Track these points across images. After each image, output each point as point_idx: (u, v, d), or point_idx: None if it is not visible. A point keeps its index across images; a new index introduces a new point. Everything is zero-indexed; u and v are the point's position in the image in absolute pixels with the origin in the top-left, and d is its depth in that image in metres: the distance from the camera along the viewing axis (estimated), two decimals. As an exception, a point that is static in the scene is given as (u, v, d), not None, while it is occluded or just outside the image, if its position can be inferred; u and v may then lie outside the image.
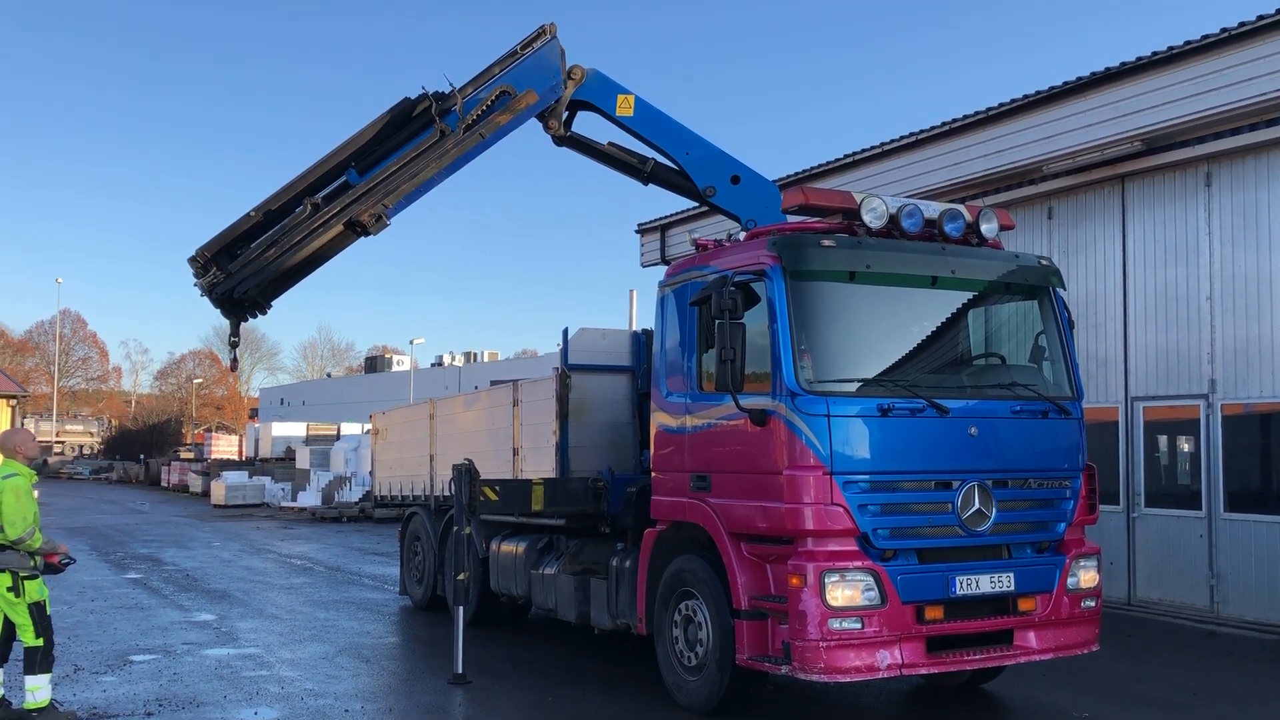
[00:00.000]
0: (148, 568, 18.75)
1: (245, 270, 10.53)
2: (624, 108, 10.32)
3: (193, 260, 10.67)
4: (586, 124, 10.89)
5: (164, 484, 55.54)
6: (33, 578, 7.93)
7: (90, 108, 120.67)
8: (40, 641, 7.90)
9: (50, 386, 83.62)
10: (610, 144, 10.82)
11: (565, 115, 10.63)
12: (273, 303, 10.93)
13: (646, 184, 10.84)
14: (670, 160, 10.59)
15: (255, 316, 11.09)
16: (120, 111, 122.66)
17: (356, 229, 10.26)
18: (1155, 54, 12.80)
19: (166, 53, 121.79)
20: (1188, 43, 12.46)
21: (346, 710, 8.41)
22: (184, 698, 8.77)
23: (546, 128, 10.63)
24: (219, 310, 10.83)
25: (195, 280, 10.77)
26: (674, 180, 10.63)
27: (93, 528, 28.38)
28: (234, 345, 11.33)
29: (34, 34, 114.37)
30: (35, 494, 8.06)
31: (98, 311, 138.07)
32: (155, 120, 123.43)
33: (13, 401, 41.55)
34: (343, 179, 10.39)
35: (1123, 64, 13.19)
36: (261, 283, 10.50)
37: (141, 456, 65.62)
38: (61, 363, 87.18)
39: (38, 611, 7.93)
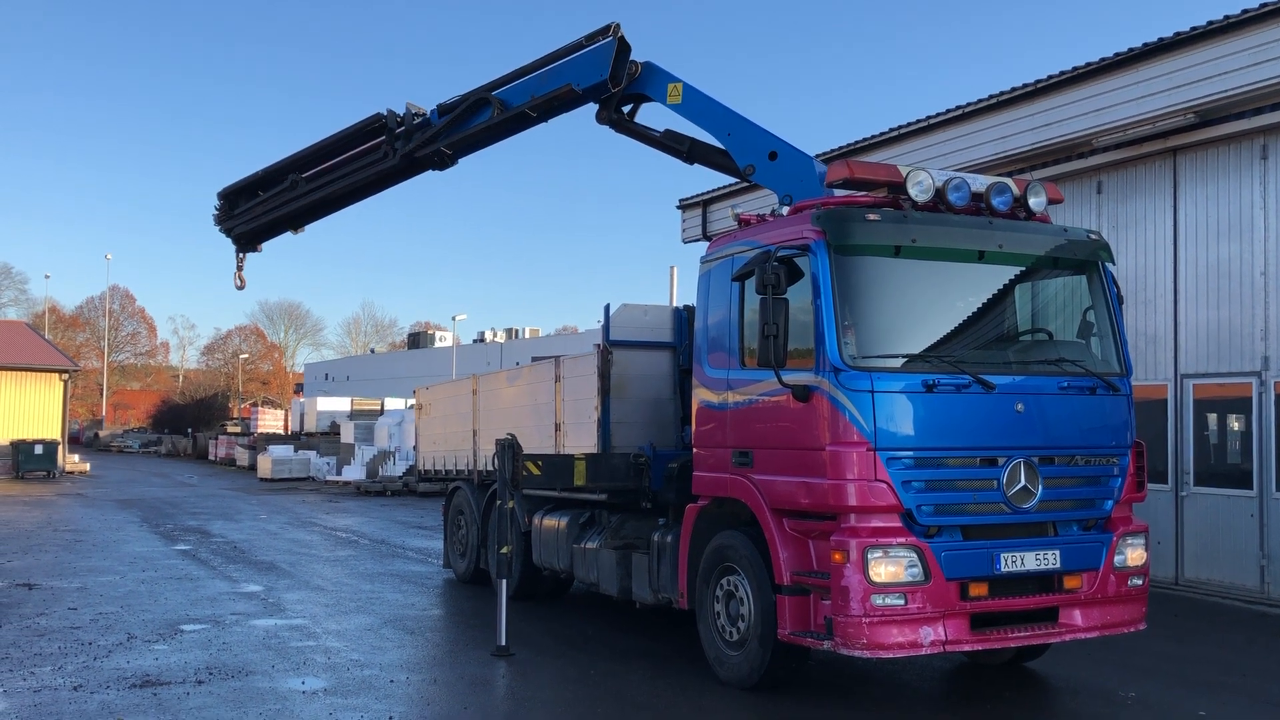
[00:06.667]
0: (196, 539, 19.08)
1: (241, 216, 13.70)
2: (673, 96, 10.56)
3: (219, 194, 13.94)
4: (643, 109, 11.19)
5: (211, 458, 56.55)
6: None
7: (140, 86, 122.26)
8: None
9: (100, 361, 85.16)
10: (667, 130, 11.03)
11: (629, 107, 11.04)
12: (263, 245, 14.28)
13: (691, 163, 11.06)
14: (715, 141, 10.68)
15: (252, 251, 14.28)
16: (169, 90, 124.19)
17: (421, 167, 12.31)
18: (1210, 23, 12.50)
19: (219, 34, 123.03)
20: (1244, 11, 12.15)
21: (392, 680, 8.52)
22: (233, 667, 8.93)
23: (599, 119, 11.05)
24: (229, 238, 14.11)
25: (214, 210, 14.08)
26: (716, 160, 10.77)
27: (143, 500, 28.94)
28: (239, 268, 14.40)
29: (84, 13, 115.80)
30: None
31: (146, 288, 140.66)
32: (203, 100, 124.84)
33: (64, 376, 42.27)
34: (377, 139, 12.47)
35: (1176, 34, 12.90)
36: (249, 229, 13.80)
37: (189, 430, 66.73)
38: (111, 338, 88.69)
39: None
